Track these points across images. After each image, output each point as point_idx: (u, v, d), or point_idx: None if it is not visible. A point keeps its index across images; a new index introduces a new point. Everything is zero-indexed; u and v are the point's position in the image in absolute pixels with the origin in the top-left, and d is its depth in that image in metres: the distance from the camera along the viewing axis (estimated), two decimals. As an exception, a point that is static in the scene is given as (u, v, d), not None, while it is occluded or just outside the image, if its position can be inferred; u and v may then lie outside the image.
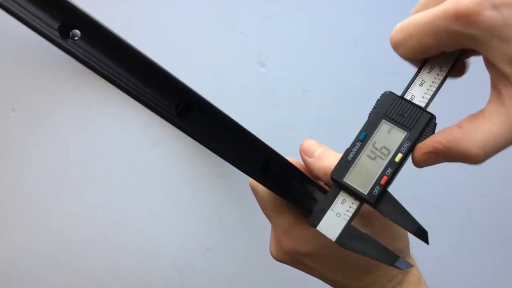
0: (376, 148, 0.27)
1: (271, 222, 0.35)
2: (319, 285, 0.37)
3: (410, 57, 0.25)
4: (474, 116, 0.24)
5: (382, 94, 0.27)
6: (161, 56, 0.47)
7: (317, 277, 0.36)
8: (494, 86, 0.23)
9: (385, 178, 0.26)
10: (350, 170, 0.27)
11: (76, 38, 0.29)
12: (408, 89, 0.26)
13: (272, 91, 0.50)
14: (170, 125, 0.49)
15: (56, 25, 0.29)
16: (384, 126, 0.27)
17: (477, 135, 0.23)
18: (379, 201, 0.26)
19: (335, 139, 0.51)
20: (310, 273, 0.36)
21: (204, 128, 0.29)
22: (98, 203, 0.47)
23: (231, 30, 0.49)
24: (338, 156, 0.28)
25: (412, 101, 0.26)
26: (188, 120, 0.29)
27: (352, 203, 0.27)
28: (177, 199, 0.49)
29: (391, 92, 0.27)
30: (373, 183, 0.26)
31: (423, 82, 0.26)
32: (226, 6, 0.49)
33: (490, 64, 0.23)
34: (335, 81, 0.51)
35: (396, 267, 0.26)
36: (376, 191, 0.26)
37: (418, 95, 0.26)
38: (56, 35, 0.29)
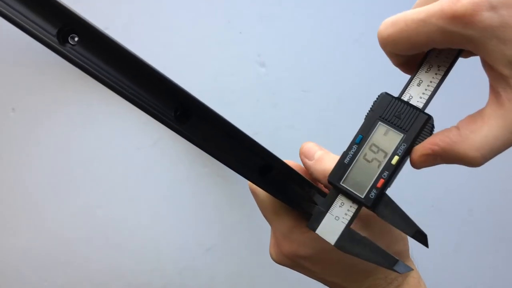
0: (372, 151, 0.26)
1: (270, 225, 0.35)
2: (320, 285, 0.37)
3: (397, 53, 0.24)
4: (473, 118, 0.23)
5: (378, 96, 0.27)
6: (161, 56, 0.47)
7: (317, 280, 0.36)
8: (493, 88, 0.22)
9: (381, 181, 0.26)
10: (347, 174, 0.27)
11: (74, 44, 0.29)
12: (405, 90, 0.26)
13: (272, 91, 0.50)
14: (170, 125, 0.49)
15: (54, 31, 0.29)
16: (380, 128, 0.26)
17: (475, 137, 0.22)
18: (376, 204, 0.26)
19: (335, 139, 0.51)
20: (310, 275, 0.36)
21: (203, 132, 0.29)
22: (98, 203, 0.47)
23: (231, 30, 0.49)
24: (338, 158, 0.28)
25: (410, 102, 0.26)
26: (187, 124, 0.29)
27: (350, 206, 0.27)
28: (177, 199, 0.49)
29: (387, 94, 0.27)
30: (369, 186, 0.26)
31: (420, 82, 0.26)
32: (226, 6, 0.49)
33: (488, 66, 0.22)
34: (335, 81, 0.51)
35: (394, 270, 0.26)
36: (373, 194, 0.26)
37: (415, 96, 0.26)
38: (54, 41, 0.29)
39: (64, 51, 0.29)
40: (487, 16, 0.20)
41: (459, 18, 0.21)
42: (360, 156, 0.27)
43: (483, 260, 0.56)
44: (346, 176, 0.27)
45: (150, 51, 0.46)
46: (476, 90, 0.39)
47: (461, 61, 0.25)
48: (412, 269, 0.26)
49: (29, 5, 0.28)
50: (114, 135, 0.47)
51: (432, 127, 0.26)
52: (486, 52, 0.21)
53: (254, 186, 0.34)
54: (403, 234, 0.34)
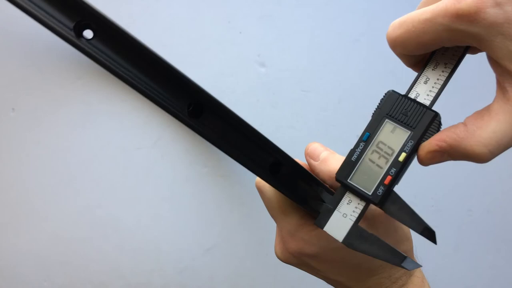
0: (379, 148, 0.27)
1: (277, 223, 0.35)
2: (320, 285, 0.37)
3: (406, 53, 0.25)
4: (480, 114, 0.23)
5: (385, 94, 0.27)
6: (161, 56, 0.47)
7: (321, 278, 0.36)
8: (500, 84, 0.23)
9: (389, 178, 0.26)
10: (354, 171, 0.27)
11: (91, 38, 0.29)
12: (412, 88, 0.26)
13: (272, 91, 0.50)
14: (170, 125, 0.49)
15: (71, 25, 0.29)
16: (388, 126, 0.27)
17: (482, 133, 0.22)
18: (384, 201, 0.26)
19: (335, 139, 0.51)
20: (314, 274, 0.36)
21: (215, 128, 0.29)
22: (98, 203, 0.47)
23: (231, 30, 0.49)
24: (343, 159, 0.28)
25: (417, 100, 0.26)
26: (200, 119, 0.29)
27: (358, 204, 0.27)
28: (177, 199, 0.49)
29: (394, 91, 0.27)
30: (377, 183, 0.26)
31: (427, 79, 0.26)
32: (226, 6, 0.49)
33: (494, 62, 0.22)
34: (335, 81, 0.51)
35: (403, 267, 0.26)
36: (380, 191, 0.26)
37: (422, 93, 0.26)
38: (71, 34, 0.29)
39: (81, 45, 0.29)
40: (492, 13, 0.20)
41: (463, 16, 0.21)
42: (367, 154, 0.27)
43: (483, 260, 0.56)
44: (354, 174, 0.27)
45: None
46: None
47: (468, 58, 0.25)
48: (421, 265, 0.26)
49: None
50: (114, 135, 0.47)
51: (439, 124, 0.26)
52: (492, 48, 0.21)
53: (261, 184, 0.34)
54: (408, 234, 0.34)
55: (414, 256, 0.35)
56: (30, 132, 0.46)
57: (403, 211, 0.26)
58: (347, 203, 0.28)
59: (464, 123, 0.24)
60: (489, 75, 0.24)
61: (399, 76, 0.49)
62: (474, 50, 0.25)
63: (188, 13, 0.48)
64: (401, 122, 0.26)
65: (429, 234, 0.25)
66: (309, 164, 0.34)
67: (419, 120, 0.25)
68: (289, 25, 0.50)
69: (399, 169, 0.26)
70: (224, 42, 0.49)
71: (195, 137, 0.48)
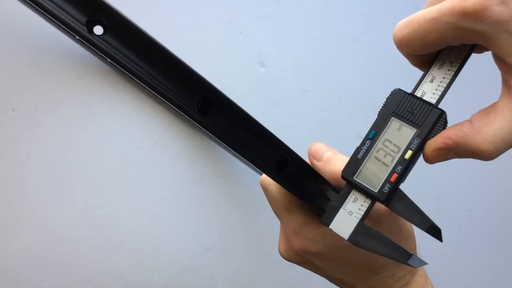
0: (385, 146, 0.27)
1: (281, 221, 0.35)
2: (320, 285, 0.37)
3: (413, 53, 0.25)
4: (485, 111, 0.23)
5: (391, 92, 0.27)
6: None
7: (324, 277, 0.36)
8: (505, 81, 0.23)
9: (395, 175, 0.26)
10: (360, 169, 0.27)
11: (103, 33, 0.29)
12: (418, 86, 0.26)
13: (272, 91, 0.50)
14: (170, 125, 0.49)
15: (83, 20, 0.29)
16: (394, 124, 0.27)
17: (488, 130, 0.22)
18: (390, 199, 0.26)
19: (335, 139, 0.51)
20: (318, 272, 0.36)
21: (223, 124, 0.29)
22: (98, 203, 0.47)
23: (231, 30, 0.49)
24: (347, 159, 0.28)
25: (423, 98, 0.26)
26: (208, 116, 0.29)
27: (364, 201, 0.27)
28: (177, 199, 0.49)
29: (400, 90, 0.27)
30: (383, 181, 0.26)
31: (433, 78, 0.26)
32: (226, 6, 0.49)
33: (499, 60, 0.22)
34: (335, 81, 0.51)
35: (409, 265, 0.26)
36: (386, 188, 0.26)
37: (428, 92, 0.26)
38: (83, 29, 0.29)
39: (93, 40, 0.29)
40: (497, 11, 0.20)
41: (469, 14, 0.21)
42: (373, 151, 0.27)
43: (483, 260, 0.56)
44: (360, 171, 0.27)
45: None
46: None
47: (473, 56, 0.26)
48: (426, 263, 0.26)
49: None
50: (114, 135, 0.47)
51: (445, 122, 0.26)
52: (498, 46, 0.21)
53: (266, 182, 0.34)
54: (411, 233, 0.34)
55: (418, 255, 0.35)
56: (30, 132, 0.46)
57: (409, 208, 0.26)
58: (353, 201, 0.28)
59: (469, 121, 0.24)
60: (495, 73, 0.24)
61: (399, 76, 0.49)
62: (480, 49, 0.25)
63: (188, 13, 0.48)
64: (407, 120, 0.26)
65: (435, 232, 0.25)
66: (312, 164, 0.34)
67: (425, 118, 0.26)
68: (289, 25, 0.50)
69: (405, 166, 0.26)
70: (224, 42, 0.49)
71: (195, 137, 0.48)
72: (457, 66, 0.25)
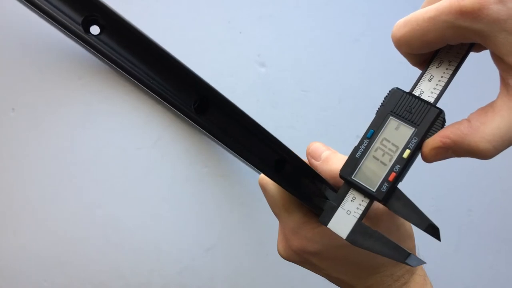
0: (384, 145, 0.27)
1: (279, 221, 0.35)
2: (320, 285, 0.37)
3: (412, 52, 0.25)
4: (484, 110, 0.23)
5: (389, 91, 0.27)
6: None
7: (323, 276, 0.36)
8: (503, 80, 0.23)
9: (393, 174, 0.26)
10: (358, 168, 0.27)
11: (99, 33, 0.29)
12: (416, 85, 0.26)
13: (272, 91, 0.50)
14: (170, 125, 0.49)
15: (79, 19, 0.29)
16: (392, 123, 0.27)
17: (486, 129, 0.22)
18: (388, 198, 0.26)
19: (335, 139, 0.51)
20: (316, 272, 0.36)
21: (221, 123, 0.29)
22: (98, 203, 0.47)
23: (231, 30, 0.49)
24: (345, 158, 0.28)
25: (421, 97, 0.26)
26: (205, 115, 0.29)
27: (362, 201, 0.27)
28: (177, 199, 0.49)
29: (398, 89, 0.27)
30: (381, 180, 0.26)
31: (431, 77, 0.26)
32: (226, 6, 0.49)
33: (497, 58, 0.22)
34: (335, 81, 0.51)
35: (407, 264, 0.26)
36: (384, 187, 0.26)
37: (427, 91, 0.26)
38: (79, 29, 0.29)
39: (89, 40, 0.29)
40: (495, 9, 0.20)
41: (467, 13, 0.21)
42: (371, 151, 0.27)
43: (483, 260, 0.56)
44: (358, 170, 0.27)
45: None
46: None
47: (471, 55, 0.26)
48: (425, 262, 0.26)
49: None
50: (114, 135, 0.47)
51: (444, 121, 0.26)
52: (496, 45, 0.21)
53: (264, 181, 0.34)
54: (410, 232, 0.34)
55: (417, 254, 0.35)
56: (30, 132, 0.46)
57: (408, 208, 0.26)
58: (351, 200, 0.28)
59: (468, 120, 0.24)
60: (493, 72, 0.24)
61: (399, 76, 0.49)
62: (478, 48, 0.25)
63: (188, 13, 0.48)
64: (405, 119, 0.26)
65: (433, 231, 0.25)
66: (310, 163, 0.34)
67: (423, 117, 0.25)
68: (289, 25, 0.50)
69: (403, 166, 0.26)
70: (224, 42, 0.49)
71: (195, 137, 0.48)
72: (455, 65, 0.25)
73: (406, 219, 0.26)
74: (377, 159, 0.27)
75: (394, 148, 0.26)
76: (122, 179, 0.48)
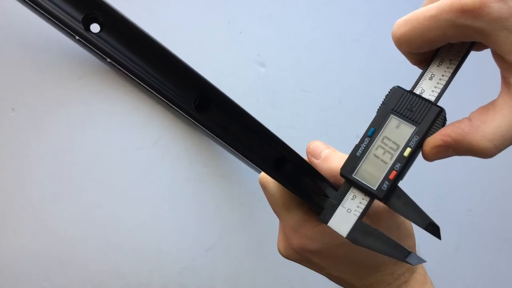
0: (384, 144, 0.27)
1: (280, 219, 0.35)
2: (320, 285, 0.37)
3: (412, 51, 0.25)
4: (485, 108, 0.23)
5: (390, 89, 0.27)
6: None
7: (324, 275, 0.36)
8: (504, 79, 0.23)
9: (394, 173, 0.26)
10: (359, 166, 0.27)
11: (99, 30, 0.29)
12: (417, 84, 0.26)
13: (272, 91, 0.50)
14: (170, 125, 0.49)
15: (80, 17, 0.29)
16: (393, 121, 0.27)
17: (487, 127, 0.22)
18: (389, 196, 0.26)
19: (335, 139, 0.51)
20: (317, 270, 0.36)
21: (221, 122, 0.29)
22: (98, 203, 0.47)
23: (231, 30, 0.49)
24: (345, 156, 0.28)
25: (422, 95, 0.26)
26: (206, 113, 0.29)
27: (363, 199, 0.27)
28: (177, 199, 0.49)
29: (399, 87, 0.27)
30: (382, 178, 0.26)
31: (432, 76, 0.26)
32: (226, 6, 0.49)
33: (498, 57, 0.22)
34: (335, 81, 0.51)
35: (407, 262, 0.26)
36: (385, 186, 0.26)
37: (427, 89, 0.26)
38: (79, 27, 0.29)
39: (90, 37, 0.29)
40: (496, 8, 0.20)
41: (468, 11, 0.21)
42: (372, 149, 0.27)
43: (484, 259, 0.56)
44: (358, 169, 0.27)
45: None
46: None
47: (473, 53, 0.26)
48: (425, 261, 0.26)
49: None
50: (114, 135, 0.47)
51: (444, 119, 0.26)
52: (497, 43, 0.21)
53: (264, 180, 0.34)
54: (410, 231, 0.34)
55: (417, 253, 0.35)
56: (30, 132, 0.46)
57: (408, 206, 0.26)
58: (352, 199, 0.28)
59: (469, 118, 0.24)
60: (494, 71, 0.24)
61: (399, 76, 0.49)
62: (480, 46, 0.25)
63: (188, 13, 0.48)
64: (406, 117, 0.26)
65: (434, 230, 0.25)
66: (310, 162, 0.34)
67: (424, 115, 0.25)
68: (289, 25, 0.50)
69: (404, 164, 0.26)
70: (224, 42, 0.49)
71: (195, 137, 0.48)
72: (456, 64, 0.25)
73: (406, 218, 0.26)
74: (378, 158, 0.27)
75: (395, 147, 0.26)
76: (122, 179, 0.48)
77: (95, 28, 0.29)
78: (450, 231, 0.55)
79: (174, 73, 0.29)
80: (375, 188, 0.26)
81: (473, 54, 0.26)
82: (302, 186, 0.31)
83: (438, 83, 0.26)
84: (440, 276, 0.55)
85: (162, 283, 0.49)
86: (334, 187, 0.31)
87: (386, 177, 0.26)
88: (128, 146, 0.47)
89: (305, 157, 0.35)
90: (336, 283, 0.36)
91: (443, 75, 0.25)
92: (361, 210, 0.27)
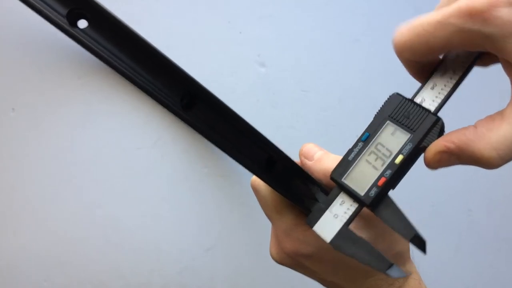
0: (378, 150, 0.26)
1: (272, 223, 0.34)
2: (320, 285, 0.37)
3: (414, 59, 0.24)
4: (492, 117, 0.22)
5: (390, 96, 0.27)
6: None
7: (317, 280, 0.36)
8: None
9: (383, 179, 0.25)
10: (349, 170, 0.27)
11: (84, 26, 0.29)
12: (418, 92, 0.26)
13: (272, 91, 0.50)
14: (170, 125, 0.49)
15: (64, 12, 0.29)
16: (388, 127, 0.26)
17: (493, 136, 0.21)
18: (376, 204, 0.26)
19: (335, 139, 0.51)
20: (310, 275, 0.35)
21: (208, 120, 0.29)
22: (98, 203, 0.47)
23: (231, 30, 0.49)
24: (338, 158, 0.28)
25: (421, 105, 0.25)
26: (192, 111, 0.29)
27: (351, 205, 0.27)
28: (177, 199, 0.49)
29: (398, 94, 0.26)
30: (370, 184, 0.26)
31: (434, 85, 0.25)
32: (226, 6, 0.49)
33: (508, 65, 0.22)
34: (335, 81, 0.51)
35: (387, 274, 0.25)
36: (373, 192, 0.25)
37: (428, 99, 0.25)
38: (64, 22, 0.29)
39: (74, 33, 0.28)
40: (506, 12, 0.19)
41: (476, 15, 0.20)
42: (364, 154, 0.26)
43: (483, 260, 0.56)
44: (348, 173, 0.27)
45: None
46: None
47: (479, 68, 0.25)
48: (405, 275, 0.26)
49: None
50: (114, 135, 0.47)
51: (441, 130, 0.25)
52: (506, 50, 0.20)
53: (256, 183, 0.34)
54: None
55: (411, 257, 0.35)
56: (30, 132, 0.46)
57: (395, 216, 0.25)
58: (340, 204, 0.27)
59: (474, 126, 0.23)
60: (504, 83, 0.23)
61: (399, 76, 0.49)
62: (486, 61, 0.24)
63: (188, 13, 0.48)
64: (402, 124, 0.25)
65: (419, 243, 0.24)
66: (303, 164, 0.34)
67: (420, 123, 0.25)
68: (289, 25, 0.50)
69: (394, 171, 0.25)
70: (224, 42, 0.49)
71: (195, 137, 0.48)
72: (460, 75, 0.24)
73: (392, 228, 0.25)
74: (370, 163, 0.26)
75: (387, 153, 0.26)
76: (122, 179, 0.48)
77: (81, 24, 0.29)
78: (450, 231, 0.55)
79: (161, 70, 0.29)
80: (362, 194, 0.26)
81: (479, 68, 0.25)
82: (293, 188, 0.30)
83: (439, 93, 0.25)
84: (440, 276, 0.55)
85: (162, 283, 0.49)
86: (325, 190, 0.31)
87: (374, 183, 0.25)
88: (128, 146, 0.47)
89: (298, 159, 0.35)
90: None
91: (445, 86, 0.25)
92: (348, 216, 0.27)
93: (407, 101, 0.26)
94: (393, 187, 0.26)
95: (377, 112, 0.27)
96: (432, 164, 0.24)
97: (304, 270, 0.35)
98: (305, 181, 0.31)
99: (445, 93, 0.25)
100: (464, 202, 0.55)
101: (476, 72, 0.25)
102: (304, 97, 0.51)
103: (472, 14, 0.20)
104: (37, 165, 0.46)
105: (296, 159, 0.34)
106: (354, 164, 0.27)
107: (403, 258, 0.33)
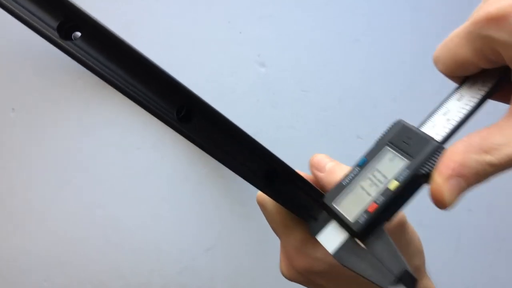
0: (374, 175, 0.25)
1: (280, 239, 0.33)
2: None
3: (447, 73, 0.23)
4: (485, 129, 0.22)
5: (393, 122, 0.26)
6: (161, 56, 0.47)
7: None
8: None
9: (374, 205, 0.23)
10: (340, 195, 0.26)
11: (75, 38, 0.28)
12: (430, 117, 0.24)
13: (272, 91, 0.50)
14: (170, 125, 0.49)
15: (55, 25, 0.28)
16: (386, 153, 0.25)
17: (486, 143, 0.21)
18: (366, 233, 0.24)
19: (335, 140, 0.51)
20: None
21: (206, 133, 0.28)
22: (98, 203, 0.47)
23: (231, 30, 0.49)
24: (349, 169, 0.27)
25: (424, 131, 0.24)
26: (190, 124, 0.28)
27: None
28: (177, 199, 0.49)
29: (401, 121, 0.25)
30: (360, 210, 0.24)
31: (447, 111, 0.24)
32: (226, 6, 0.49)
33: None
34: (335, 81, 0.51)
35: None
36: (362, 219, 0.24)
37: (439, 125, 0.24)
38: (55, 35, 0.28)
39: (66, 46, 0.28)
40: None
41: (493, 20, 0.19)
42: (358, 179, 0.25)
43: (483, 259, 0.56)
44: (339, 198, 0.25)
45: (150, 51, 0.45)
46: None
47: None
48: None
49: None
50: (114, 135, 0.47)
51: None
52: None
53: (262, 198, 0.32)
54: (420, 248, 0.32)
55: (426, 270, 0.33)
56: (30, 132, 0.46)
57: (386, 249, 0.23)
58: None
59: (462, 140, 0.22)
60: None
61: (399, 76, 0.49)
62: (506, 93, 0.23)
63: (188, 13, 0.48)
64: (402, 151, 0.24)
65: (409, 280, 0.22)
66: (315, 176, 0.33)
67: (419, 150, 0.23)
68: (289, 25, 0.50)
69: (388, 198, 0.23)
70: (224, 42, 0.49)
71: (195, 137, 0.48)
72: (475, 102, 0.23)
73: (381, 262, 0.23)
74: (364, 189, 0.25)
75: (383, 179, 0.24)
76: (122, 179, 0.48)
77: (71, 36, 0.28)
78: (450, 231, 0.55)
79: (156, 83, 0.28)
80: (351, 220, 0.24)
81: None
82: (296, 200, 0.29)
83: (448, 119, 0.23)
84: (440, 276, 0.55)
85: (162, 283, 0.49)
86: None
87: (364, 209, 0.24)
88: (128, 146, 0.47)
89: (303, 165, 0.34)
90: None
91: (458, 112, 0.23)
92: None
93: (409, 128, 0.25)
94: (388, 218, 0.24)
95: (378, 138, 0.26)
96: (448, 198, 0.22)
97: (317, 287, 0.33)
98: (309, 192, 0.30)
99: (457, 120, 0.23)
100: (464, 202, 0.55)
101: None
102: (304, 97, 0.51)
103: (489, 19, 0.20)
104: (37, 165, 0.46)
105: (296, 159, 0.34)
106: (347, 188, 0.26)
107: (420, 272, 0.32)
